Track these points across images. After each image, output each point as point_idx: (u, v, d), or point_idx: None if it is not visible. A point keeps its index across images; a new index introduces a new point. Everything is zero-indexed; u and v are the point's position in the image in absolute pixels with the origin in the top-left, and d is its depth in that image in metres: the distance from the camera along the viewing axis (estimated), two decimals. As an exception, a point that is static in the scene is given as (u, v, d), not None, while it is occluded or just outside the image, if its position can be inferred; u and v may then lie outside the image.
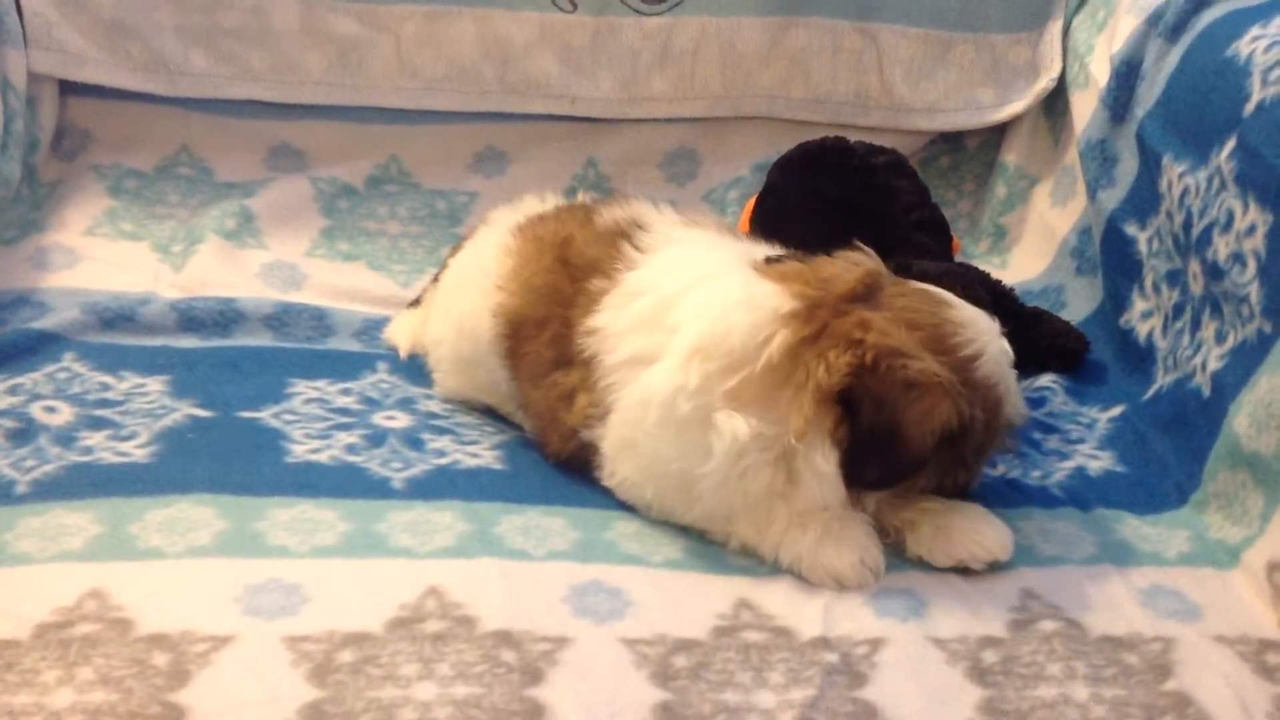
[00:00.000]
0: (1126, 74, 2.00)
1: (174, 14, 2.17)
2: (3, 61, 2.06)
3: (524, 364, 1.60)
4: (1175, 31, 1.92)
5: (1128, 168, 1.95)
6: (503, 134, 2.31)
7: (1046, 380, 1.84)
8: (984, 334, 1.40)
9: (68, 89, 2.21)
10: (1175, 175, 1.75)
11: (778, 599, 1.35)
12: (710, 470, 1.38)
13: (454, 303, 1.73)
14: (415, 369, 1.82)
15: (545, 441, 1.59)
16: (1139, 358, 1.81)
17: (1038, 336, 1.90)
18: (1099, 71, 2.10)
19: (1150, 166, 1.85)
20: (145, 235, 2.11)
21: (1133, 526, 1.53)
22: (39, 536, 1.34)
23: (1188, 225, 1.70)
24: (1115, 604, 1.37)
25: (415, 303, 1.97)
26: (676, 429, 1.39)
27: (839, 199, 1.92)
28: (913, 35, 2.31)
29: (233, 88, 2.22)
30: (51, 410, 1.59)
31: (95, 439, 1.54)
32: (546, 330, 1.56)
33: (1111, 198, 1.96)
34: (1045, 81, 2.29)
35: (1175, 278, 1.76)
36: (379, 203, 2.25)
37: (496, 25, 2.23)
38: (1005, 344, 1.43)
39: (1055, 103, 2.29)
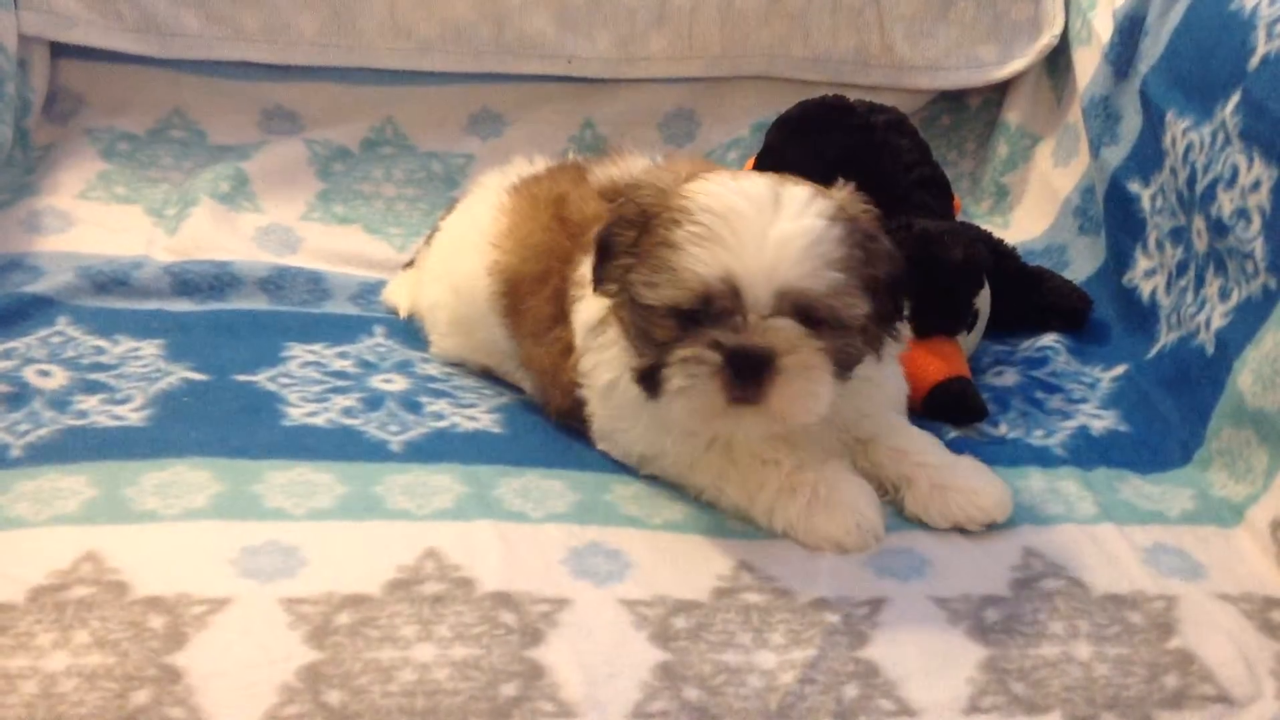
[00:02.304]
0: (1130, 29, 1.98)
1: (164, -26, 2.15)
2: (-8, 23, 2.04)
3: (524, 320, 1.59)
4: (1179, -15, 1.90)
5: (1131, 125, 1.93)
6: (498, 95, 2.29)
7: (1049, 340, 1.83)
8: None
9: (59, 51, 2.19)
10: (1179, 131, 1.73)
11: (778, 560, 1.34)
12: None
13: (449, 265, 1.72)
14: (412, 332, 1.80)
15: (547, 398, 1.58)
16: (1142, 316, 1.80)
17: (1040, 296, 1.89)
18: (1102, 27, 2.08)
19: (1154, 123, 1.83)
20: (138, 198, 2.10)
21: (1135, 485, 1.52)
22: (33, 500, 1.33)
23: (1192, 182, 1.68)
24: (1118, 562, 1.36)
25: (410, 264, 1.95)
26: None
27: (839, 158, 1.89)
28: (914, -9, 2.28)
29: (225, 49, 2.20)
30: (45, 374, 1.58)
31: (90, 402, 1.53)
32: (547, 285, 1.55)
33: (1115, 155, 1.94)
34: (1048, 38, 2.27)
35: (1179, 235, 1.74)
36: (374, 165, 2.23)
37: (491, -17, 2.21)
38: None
39: (1058, 60, 2.27)
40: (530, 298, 1.58)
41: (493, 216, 1.66)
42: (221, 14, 2.18)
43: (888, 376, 1.47)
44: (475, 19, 2.21)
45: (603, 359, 1.45)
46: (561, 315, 1.53)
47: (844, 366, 1.34)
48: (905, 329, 1.45)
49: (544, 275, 1.56)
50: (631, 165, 1.61)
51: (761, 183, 1.31)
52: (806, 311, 1.28)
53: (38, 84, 2.15)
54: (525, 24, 2.22)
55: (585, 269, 1.44)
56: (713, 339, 1.27)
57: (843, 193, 1.37)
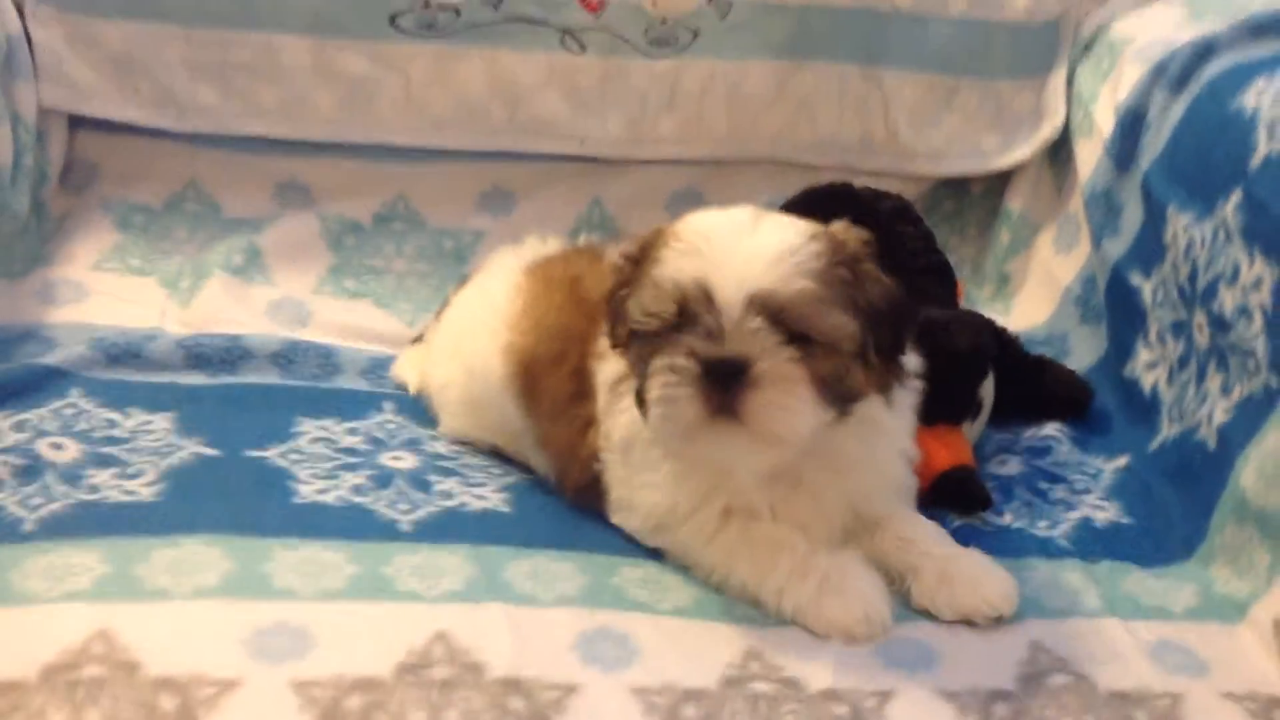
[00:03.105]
0: (1131, 123, 2.01)
1: (184, 49, 2.17)
2: (13, 95, 2.06)
3: (541, 401, 1.61)
4: (1180, 83, 1.93)
5: (1132, 217, 1.95)
6: (510, 173, 2.31)
7: (1051, 429, 1.84)
8: None
9: (76, 123, 2.21)
10: (1181, 226, 1.76)
11: (786, 649, 1.34)
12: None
13: (461, 345, 1.74)
14: (421, 409, 1.82)
15: (564, 475, 1.59)
16: (1144, 408, 1.81)
17: (1042, 385, 1.90)
18: (1103, 120, 2.11)
19: (1155, 217, 1.86)
20: (153, 270, 2.12)
21: (1139, 579, 1.53)
22: (46, 575, 1.33)
23: (1193, 277, 1.71)
24: (1123, 658, 1.37)
25: (418, 339, 1.97)
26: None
27: (844, 244, 1.92)
28: (918, 80, 2.32)
29: (242, 123, 2.23)
30: (58, 447, 1.59)
31: (102, 477, 1.53)
32: (565, 365, 1.57)
33: (1116, 247, 1.96)
34: (1049, 129, 2.30)
35: (1180, 329, 1.76)
36: (386, 240, 2.25)
37: (505, 66, 2.24)
38: None
39: (1059, 150, 2.29)
40: (546, 378, 1.60)
41: (508, 298, 1.68)
42: (239, 89, 2.21)
43: (898, 429, 1.49)
44: (489, 99, 2.25)
45: (621, 407, 1.48)
46: (581, 393, 1.55)
47: (840, 396, 1.35)
48: (914, 375, 1.47)
49: (560, 356, 1.58)
50: None
51: (747, 210, 1.40)
52: (778, 317, 1.30)
53: (55, 155, 2.17)
54: (538, 105, 2.26)
55: (603, 342, 1.47)
56: (689, 348, 1.30)
57: (837, 225, 1.41)
